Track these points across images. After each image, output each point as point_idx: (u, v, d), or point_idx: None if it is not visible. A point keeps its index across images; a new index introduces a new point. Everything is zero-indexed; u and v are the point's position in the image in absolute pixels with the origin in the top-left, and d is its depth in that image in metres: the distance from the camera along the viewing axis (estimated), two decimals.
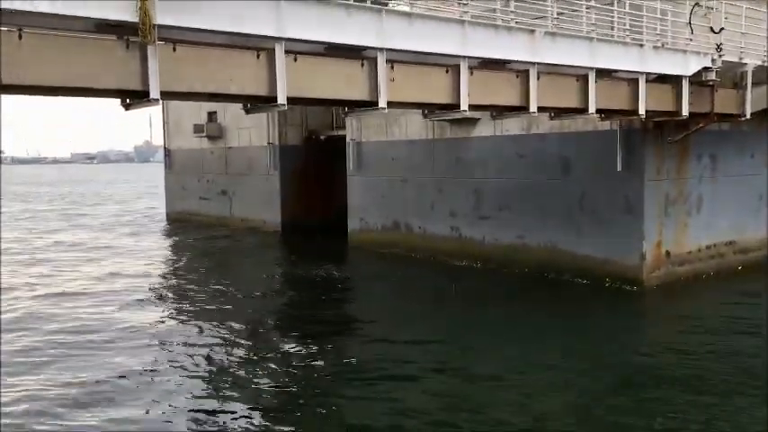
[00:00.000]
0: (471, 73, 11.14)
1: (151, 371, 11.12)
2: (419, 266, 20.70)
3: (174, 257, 23.96)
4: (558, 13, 12.41)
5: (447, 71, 11.02)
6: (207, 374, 11.06)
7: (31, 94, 8.06)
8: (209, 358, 11.78)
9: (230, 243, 27.07)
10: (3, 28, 7.14)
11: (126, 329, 13.72)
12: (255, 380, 10.72)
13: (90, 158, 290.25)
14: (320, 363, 11.54)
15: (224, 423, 9.10)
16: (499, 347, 12.42)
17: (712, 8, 14.44)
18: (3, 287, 17.92)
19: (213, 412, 9.44)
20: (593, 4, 12.79)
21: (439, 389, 10.35)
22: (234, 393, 10.13)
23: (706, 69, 14.51)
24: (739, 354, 11.80)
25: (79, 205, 51.31)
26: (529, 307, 15.46)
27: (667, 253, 17.02)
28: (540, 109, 12.46)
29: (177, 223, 34.04)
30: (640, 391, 9.94)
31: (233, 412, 9.43)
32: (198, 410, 9.49)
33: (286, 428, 8.91)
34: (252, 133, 29.56)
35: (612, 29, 13.12)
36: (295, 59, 9.34)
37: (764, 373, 10.60)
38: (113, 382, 10.58)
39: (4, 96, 7.91)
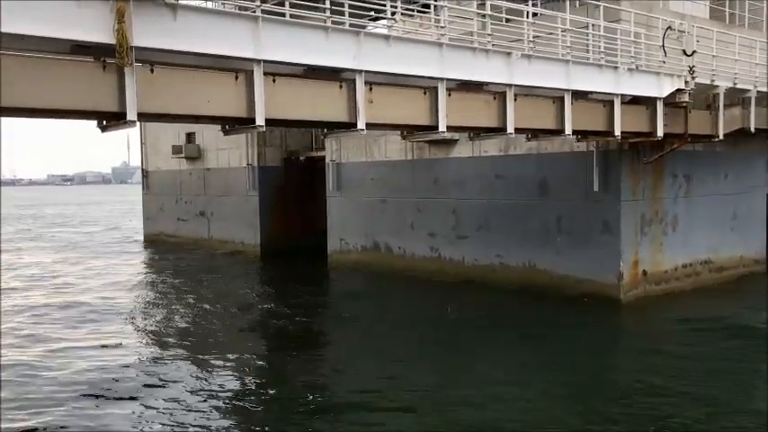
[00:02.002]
0: (449, 95, 11.24)
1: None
2: (399, 287, 20.64)
3: (148, 280, 23.65)
4: (534, 37, 12.58)
5: (425, 93, 11.10)
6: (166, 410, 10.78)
7: (7, 115, 7.99)
8: (170, 393, 11.27)
9: (207, 265, 26.79)
10: None
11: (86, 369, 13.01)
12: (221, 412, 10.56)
13: (67, 180, 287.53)
14: (292, 391, 11.43)
15: None
16: (470, 367, 12.39)
17: (684, 31, 14.72)
18: None
19: None
20: (568, 27, 12.99)
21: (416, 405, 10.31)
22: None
23: (679, 91, 14.77)
24: (712, 372, 11.90)
25: (55, 227, 50.62)
26: (505, 326, 15.46)
27: (644, 272, 17.18)
28: (518, 130, 12.59)
29: (154, 245, 33.71)
30: (617, 407, 9.97)
31: None
32: None
33: None
34: (231, 154, 29.47)
35: (588, 51, 13.32)
36: (273, 81, 9.37)
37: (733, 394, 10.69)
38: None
39: None
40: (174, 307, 18.29)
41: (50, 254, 31.82)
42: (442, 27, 11.01)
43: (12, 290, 21.28)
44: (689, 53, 14.71)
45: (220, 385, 11.51)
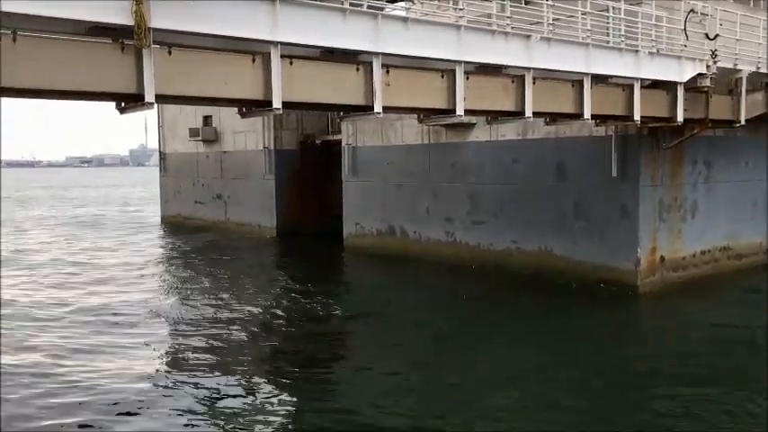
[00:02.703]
0: (467, 78, 11.15)
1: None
2: (414, 271, 20.65)
3: (165, 262, 23.83)
4: (553, 19, 12.42)
5: (443, 76, 11.02)
6: (188, 391, 10.85)
7: (25, 96, 8.02)
8: (191, 379, 11.27)
9: (223, 248, 26.93)
10: None
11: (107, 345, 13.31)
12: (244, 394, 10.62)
13: (85, 162, 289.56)
14: (316, 373, 11.50)
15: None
16: (489, 352, 12.39)
17: (707, 14, 14.47)
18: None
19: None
20: (588, 9, 12.82)
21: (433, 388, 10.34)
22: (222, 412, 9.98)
23: (701, 75, 14.56)
24: (729, 357, 11.83)
25: (73, 208, 51.09)
26: (523, 312, 15.44)
27: (662, 258, 17.04)
28: (536, 114, 12.48)
29: (171, 227, 33.94)
30: (633, 392, 9.94)
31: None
32: None
33: None
34: (247, 137, 29.52)
35: (608, 35, 13.15)
36: (290, 63, 9.33)
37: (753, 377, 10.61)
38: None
39: None
40: (189, 289, 18.43)
41: (68, 233, 32.14)
42: (460, 9, 10.90)
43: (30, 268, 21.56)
44: (711, 36, 14.47)
45: (234, 366, 11.61)
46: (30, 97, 8.08)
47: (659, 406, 9.55)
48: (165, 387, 10.60)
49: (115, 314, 15.28)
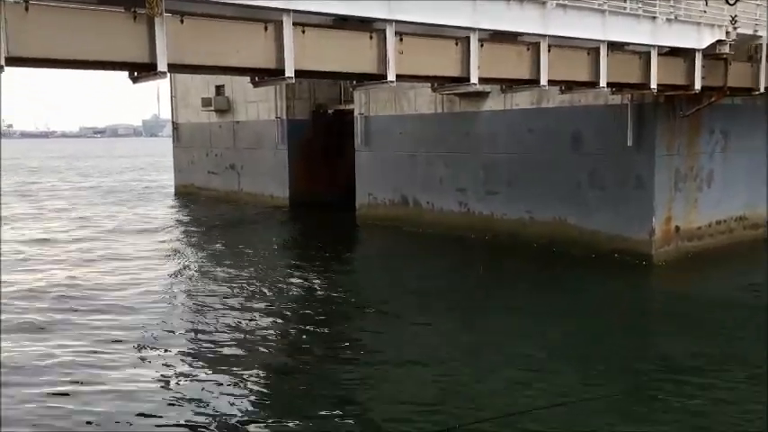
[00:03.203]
0: (481, 45, 11.00)
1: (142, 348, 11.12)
2: (427, 242, 20.68)
3: (179, 232, 24.00)
4: None
5: (457, 43, 10.88)
6: (204, 354, 11.06)
7: (38, 66, 8.00)
8: (207, 340, 11.64)
9: (237, 218, 27.09)
10: (9, 0, 7.08)
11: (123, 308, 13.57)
12: (253, 360, 10.71)
13: (98, 132, 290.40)
14: (327, 343, 11.59)
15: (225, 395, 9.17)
16: (505, 326, 12.41)
17: None
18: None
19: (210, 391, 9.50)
20: None
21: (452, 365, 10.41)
22: (233, 373, 10.08)
23: (720, 42, 14.28)
24: (742, 328, 11.80)
25: (87, 179, 51.41)
26: (536, 284, 15.45)
27: (677, 228, 16.94)
28: (551, 82, 12.32)
29: (185, 197, 34.10)
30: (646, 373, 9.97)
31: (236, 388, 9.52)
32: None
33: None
34: (260, 107, 29.44)
35: (625, 1, 12.90)
36: (303, 32, 9.23)
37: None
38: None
39: (10, 69, 7.87)
40: (201, 262, 18.58)
41: (82, 204, 32.39)
42: None
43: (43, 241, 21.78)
44: (731, 2, 14.18)
45: (246, 338, 11.73)
46: (42, 67, 8.06)
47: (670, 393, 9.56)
48: (169, 368, 10.40)
49: (122, 291, 15.22)
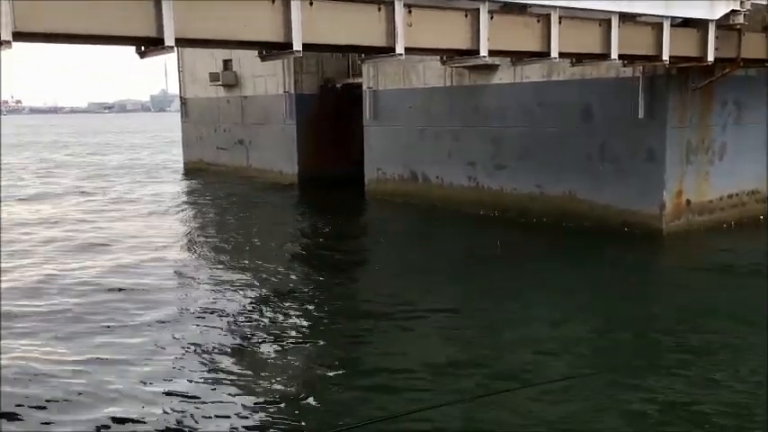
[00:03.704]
0: (491, 17, 10.86)
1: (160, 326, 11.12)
2: (437, 216, 20.66)
3: (191, 206, 24.10)
4: None
5: (466, 15, 10.75)
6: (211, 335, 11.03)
7: (45, 41, 7.96)
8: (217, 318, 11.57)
9: (246, 193, 27.12)
10: None
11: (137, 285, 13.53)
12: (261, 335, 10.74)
13: (107, 108, 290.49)
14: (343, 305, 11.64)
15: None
16: (513, 299, 12.43)
17: None
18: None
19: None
20: None
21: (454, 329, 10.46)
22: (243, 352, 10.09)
23: (734, 12, 14.01)
24: (752, 301, 11.78)
25: (98, 155, 51.55)
26: (545, 257, 15.44)
27: (688, 202, 16.83)
28: (562, 55, 12.17)
29: (194, 173, 34.14)
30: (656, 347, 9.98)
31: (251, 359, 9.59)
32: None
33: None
34: (267, 81, 29.29)
35: None
36: (311, 4, 9.14)
37: None
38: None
39: (18, 44, 7.83)
40: (212, 239, 18.65)
41: (92, 178, 32.52)
42: None
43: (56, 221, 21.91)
44: None
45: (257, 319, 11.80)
46: (49, 42, 8.02)
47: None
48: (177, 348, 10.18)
49: (129, 272, 15.15)
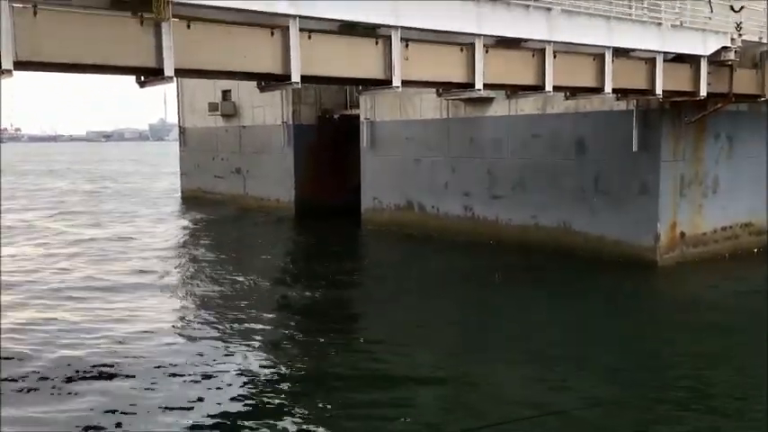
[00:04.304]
0: (486, 51, 11.06)
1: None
2: (433, 246, 20.70)
3: (187, 234, 24.11)
4: None
5: (462, 50, 10.94)
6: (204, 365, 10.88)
7: (46, 70, 8.09)
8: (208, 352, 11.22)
9: (243, 222, 27.18)
10: (18, 4, 7.16)
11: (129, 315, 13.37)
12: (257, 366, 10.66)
13: (105, 136, 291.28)
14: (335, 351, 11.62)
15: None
16: (505, 330, 12.42)
17: None
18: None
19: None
20: None
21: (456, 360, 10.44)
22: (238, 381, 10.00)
23: (725, 49, 14.30)
24: (744, 333, 11.80)
25: (98, 183, 51.62)
26: (542, 288, 15.44)
27: (682, 234, 16.92)
28: (556, 88, 12.36)
29: (191, 201, 34.21)
30: (650, 375, 9.96)
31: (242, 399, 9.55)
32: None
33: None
34: (266, 112, 29.52)
35: (630, 7, 12.92)
36: (309, 37, 9.31)
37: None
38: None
39: (19, 73, 7.95)
40: (208, 263, 18.64)
41: (90, 206, 32.56)
42: None
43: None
44: (736, 9, 14.19)
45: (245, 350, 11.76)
46: (50, 71, 8.15)
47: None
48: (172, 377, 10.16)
49: (122, 290, 15.30)
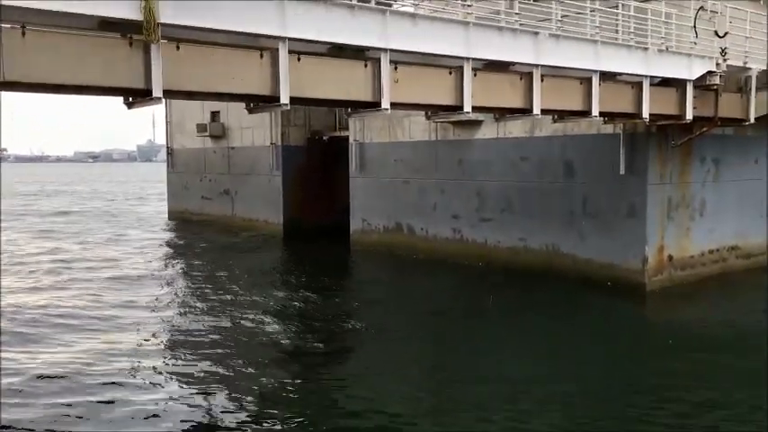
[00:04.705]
0: (475, 74, 11.12)
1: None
2: (421, 268, 20.66)
3: (173, 256, 23.93)
4: (562, 16, 12.36)
5: (450, 72, 10.99)
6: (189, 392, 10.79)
7: (34, 91, 8.02)
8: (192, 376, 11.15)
9: (231, 244, 27.00)
10: (6, 25, 7.13)
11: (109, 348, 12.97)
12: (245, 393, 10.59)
13: (93, 157, 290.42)
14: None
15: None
16: (495, 356, 12.36)
17: (717, 12, 14.38)
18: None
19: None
20: (597, 6, 12.75)
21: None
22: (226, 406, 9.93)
23: (710, 73, 14.47)
24: (734, 357, 11.80)
25: (86, 203, 51.32)
26: (529, 311, 15.41)
27: (670, 257, 16.98)
28: (544, 111, 12.43)
29: (179, 222, 34.05)
30: (640, 398, 9.92)
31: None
32: None
33: None
34: (255, 133, 29.54)
35: (617, 32, 13.08)
36: (298, 59, 9.32)
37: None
38: None
39: (6, 93, 7.93)
40: (196, 285, 18.49)
41: (75, 227, 32.32)
42: (468, 6, 10.85)
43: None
44: (721, 34, 14.39)
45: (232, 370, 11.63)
46: (38, 92, 8.09)
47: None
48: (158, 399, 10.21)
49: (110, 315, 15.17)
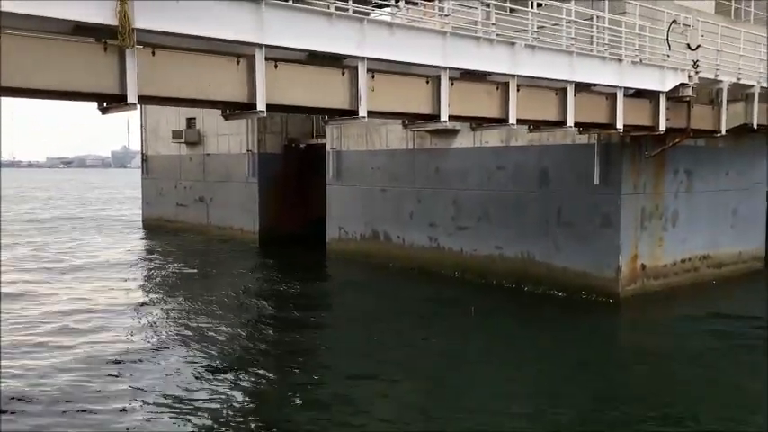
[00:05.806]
0: (452, 84, 11.17)
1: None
2: (398, 277, 20.65)
3: (145, 265, 23.64)
4: (538, 27, 12.50)
5: (428, 82, 11.04)
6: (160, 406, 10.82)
7: (5, 95, 7.93)
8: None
9: (205, 251, 26.79)
10: None
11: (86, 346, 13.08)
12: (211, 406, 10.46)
13: (66, 163, 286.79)
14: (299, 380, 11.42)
15: None
16: (470, 362, 12.39)
17: (689, 25, 14.62)
18: None
19: None
20: (573, 18, 12.90)
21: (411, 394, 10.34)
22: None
23: (683, 85, 14.70)
24: (704, 366, 11.95)
25: (58, 210, 50.60)
26: (504, 320, 15.47)
27: (643, 266, 17.17)
28: (520, 121, 12.52)
29: (153, 230, 33.70)
30: (611, 409, 10.00)
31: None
32: None
33: None
34: (231, 140, 29.38)
35: (592, 43, 13.24)
36: (275, 66, 9.30)
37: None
38: None
39: None
40: (169, 293, 18.30)
41: (51, 233, 31.85)
42: (445, 16, 10.93)
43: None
44: (693, 47, 14.62)
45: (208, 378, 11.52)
46: (10, 96, 7.98)
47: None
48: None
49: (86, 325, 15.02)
